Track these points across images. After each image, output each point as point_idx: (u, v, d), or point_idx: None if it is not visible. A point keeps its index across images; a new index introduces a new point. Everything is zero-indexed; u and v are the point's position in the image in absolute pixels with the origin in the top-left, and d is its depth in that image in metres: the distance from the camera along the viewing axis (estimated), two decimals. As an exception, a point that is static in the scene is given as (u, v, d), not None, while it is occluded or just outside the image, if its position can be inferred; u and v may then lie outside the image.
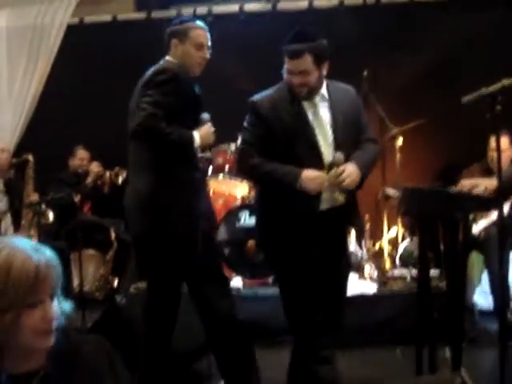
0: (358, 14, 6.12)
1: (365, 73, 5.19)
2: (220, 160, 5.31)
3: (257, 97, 3.16)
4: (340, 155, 3.05)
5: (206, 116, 3.39)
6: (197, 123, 3.35)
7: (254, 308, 4.55)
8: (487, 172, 4.92)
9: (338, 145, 3.10)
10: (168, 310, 3.33)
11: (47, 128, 5.97)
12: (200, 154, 3.35)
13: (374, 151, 3.29)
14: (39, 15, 5.74)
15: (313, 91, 3.10)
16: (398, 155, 5.35)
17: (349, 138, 3.15)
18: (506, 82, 2.60)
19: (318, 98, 3.15)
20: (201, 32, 3.38)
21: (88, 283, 5.48)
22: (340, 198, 3.09)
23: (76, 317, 4.56)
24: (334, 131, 3.12)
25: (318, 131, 3.11)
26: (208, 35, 3.40)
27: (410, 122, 5.30)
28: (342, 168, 3.01)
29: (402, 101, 5.77)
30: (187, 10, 6.33)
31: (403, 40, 5.96)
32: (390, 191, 4.16)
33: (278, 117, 3.08)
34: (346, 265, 3.40)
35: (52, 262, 1.48)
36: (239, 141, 3.60)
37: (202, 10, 6.32)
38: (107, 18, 6.27)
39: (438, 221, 3.28)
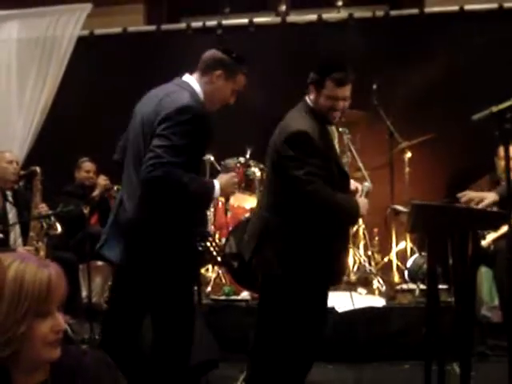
0: (368, 27, 6.14)
1: (374, 86, 5.19)
2: (228, 173, 5.31)
3: (302, 127, 3.13)
4: (369, 185, 3.31)
5: (229, 163, 3.19)
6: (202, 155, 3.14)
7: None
8: (496, 184, 4.89)
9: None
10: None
11: (56, 140, 6.00)
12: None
13: None
14: (50, 27, 5.77)
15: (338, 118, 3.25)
16: (407, 169, 5.35)
17: None
18: (516, 99, 2.59)
19: (334, 128, 3.31)
20: (243, 80, 3.14)
21: (96, 295, 5.48)
22: None
23: (84, 328, 4.57)
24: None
25: (339, 154, 3.31)
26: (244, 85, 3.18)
27: (418, 135, 5.30)
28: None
29: (411, 114, 5.77)
30: (197, 23, 6.36)
31: (413, 53, 5.97)
32: (399, 207, 4.17)
33: (324, 144, 3.15)
34: None
35: (61, 275, 1.54)
36: (302, 174, 3.12)
37: (211, 22, 6.35)
38: (118, 30, 6.31)
39: (446, 236, 3.26)
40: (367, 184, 3.28)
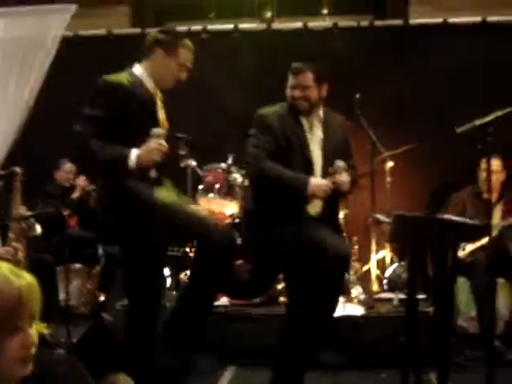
0: (352, 36, 6.18)
1: (357, 95, 5.21)
2: (210, 178, 5.29)
3: (263, 110, 3.58)
4: (342, 163, 3.44)
5: (155, 131, 3.13)
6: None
7: (240, 327, 4.54)
8: (477, 196, 4.94)
9: (324, 163, 3.50)
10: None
11: (37, 140, 5.95)
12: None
13: (355, 179, 3.70)
14: (33, 27, 5.70)
15: (312, 107, 3.52)
16: (388, 178, 5.38)
17: (335, 158, 3.49)
18: (499, 113, 2.62)
19: (315, 118, 3.57)
20: (188, 53, 3.29)
21: (74, 298, 5.43)
22: (320, 205, 3.45)
23: (61, 331, 4.52)
24: (324, 149, 3.53)
25: (312, 146, 3.51)
26: (192, 57, 3.32)
27: (401, 145, 5.33)
28: (343, 175, 3.42)
29: (394, 124, 5.82)
30: (182, 27, 6.34)
31: (396, 63, 6.02)
32: (380, 217, 4.18)
33: (281, 128, 3.47)
34: None
35: (34, 287, 1.42)
36: (250, 147, 3.51)
37: (196, 27, 6.34)
38: (102, 31, 6.28)
39: (426, 246, 3.29)
40: (339, 163, 3.43)
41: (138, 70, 3.26)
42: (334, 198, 3.50)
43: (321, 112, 3.61)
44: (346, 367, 4.36)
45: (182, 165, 5.28)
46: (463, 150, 5.16)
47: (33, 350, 1.41)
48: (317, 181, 3.40)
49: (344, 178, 3.44)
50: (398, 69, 5.97)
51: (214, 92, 6.13)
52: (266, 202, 3.51)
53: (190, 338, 3.27)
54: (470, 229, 2.91)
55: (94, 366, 1.86)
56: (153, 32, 3.34)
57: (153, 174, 3.18)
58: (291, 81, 3.52)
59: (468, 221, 2.88)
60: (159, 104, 3.30)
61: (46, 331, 1.51)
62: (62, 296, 5.07)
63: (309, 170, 3.47)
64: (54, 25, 5.74)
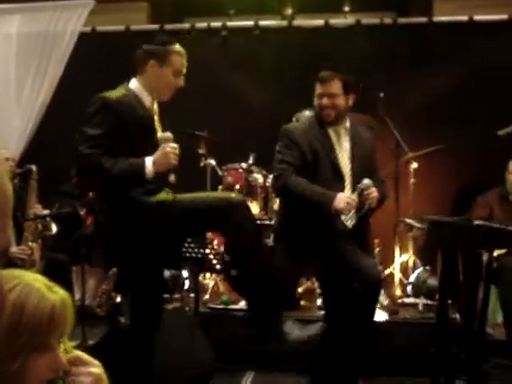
0: (375, 34, 6.03)
1: (381, 94, 5.09)
2: (230, 179, 5.18)
3: (289, 125, 3.65)
4: (369, 181, 3.41)
5: (163, 135, 3.11)
6: (151, 150, 3.09)
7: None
8: (504, 199, 4.80)
9: (353, 175, 3.50)
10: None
11: (54, 137, 5.87)
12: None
13: (386, 191, 3.77)
14: (51, 22, 5.63)
15: (339, 117, 3.52)
16: (412, 180, 5.25)
17: (362, 172, 3.51)
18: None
19: (342, 129, 3.57)
20: (181, 58, 3.19)
21: (89, 297, 5.35)
22: (355, 217, 3.47)
23: (76, 332, 4.44)
24: (352, 162, 3.52)
25: (340, 159, 3.52)
26: (185, 61, 3.22)
27: (425, 146, 5.19)
28: (373, 189, 3.41)
29: (418, 124, 5.67)
30: (201, 24, 6.24)
31: (421, 62, 5.86)
32: (411, 222, 4.08)
33: (308, 141, 3.48)
34: None
35: (67, 304, 1.33)
36: (277, 163, 3.53)
37: (216, 23, 6.23)
38: (120, 27, 6.18)
39: (458, 252, 3.19)
40: (365, 181, 3.40)
41: (134, 84, 3.20)
42: (364, 214, 3.50)
43: (347, 124, 3.60)
44: (371, 374, 4.25)
45: (201, 164, 5.18)
46: (491, 152, 5.05)
47: (60, 373, 1.30)
48: (341, 196, 3.35)
49: (373, 194, 3.42)
50: (422, 68, 5.81)
51: (234, 90, 6.02)
52: (295, 216, 3.51)
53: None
54: (507, 235, 2.78)
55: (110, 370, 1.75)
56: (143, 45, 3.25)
57: (172, 178, 3.12)
58: (318, 89, 3.51)
59: (504, 227, 2.75)
60: (156, 120, 3.23)
61: (72, 350, 1.36)
62: (77, 296, 4.99)
63: (338, 179, 3.48)
64: (72, 20, 5.68)
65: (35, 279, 1.32)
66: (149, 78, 3.17)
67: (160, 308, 3.35)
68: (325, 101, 3.46)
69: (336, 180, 3.47)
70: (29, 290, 1.28)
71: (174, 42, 3.23)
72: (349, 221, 3.45)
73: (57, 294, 1.32)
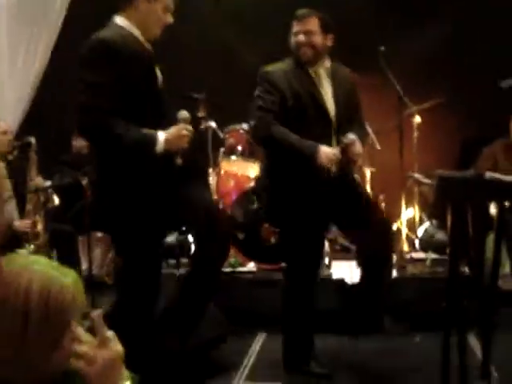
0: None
1: (382, 48, 4.98)
2: (232, 140, 5.11)
3: (267, 67, 3.46)
4: (353, 136, 3.34)
5: (182, 114, 2.99)
6: (160, 110, 2.99)
7: (268, 293, 4.42)
8: (508, 147, 4.75)
9: (338, 116, 3.42)
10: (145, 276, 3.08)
11: (52, 106, 5.78)
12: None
13: (366, 137, 3.81)
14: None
15: (317, 55, 3.41)
16: (416, 133, 5.18)
17: (346, 112, 3.46)
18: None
19: (321, 69, 3.45)
20: None
21: (97, 267, 5.33)
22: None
23: (85, 300, 4.43)
24: (335, 103, 3.43)
25: (324, 97, 3.41)
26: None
27: (428, 98, 5.11)
28: (358, 144, 3.35)
29: (421, 77, 5.56)
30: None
31: (426, 12, 5.71)
32: (420, 177, 4.04)
33: (288, 83, 3.37)
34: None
35: (78, 282, 1.35)
36: (255, 109, 3.44)
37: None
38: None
39: (467, 207, 3.16)
40: (350, 136, 3.34)
41: (122, 22, 2.98)
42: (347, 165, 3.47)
43: (327, 63, 3.50)
44: (380, 330, 4.26)
45: (202, 127, 5.11)
46: (495, 104, 4.96)
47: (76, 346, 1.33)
48: (324, 150, 3.29)
49: (357, 149, 3.36)
50: (428, 19, 5.65)
51: (230, 50, 5.90)
52: (280, 165, 3.46)
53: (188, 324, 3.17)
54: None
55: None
56: None
57: (178, 161, 3.00)
58: (295, 27, 3.41)
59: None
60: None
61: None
62: (84, 266, 4.98)
63: (325, 123, 3.40)
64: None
65: (44, 264, 1.32)
66: (137, 13, 2.96)
67: (158, 276, 3.20)
68: (301, 38, 3.37)
69: (323, 124, 3.40)
70: (50, 281, 1.28)
71: None
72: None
73: (68, 275, 1.32)
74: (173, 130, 2.92)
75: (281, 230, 3.79)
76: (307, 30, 3.37)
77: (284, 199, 3.46)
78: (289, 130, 3.34)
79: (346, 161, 3.40)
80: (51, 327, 1.26)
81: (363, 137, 3.57)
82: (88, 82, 2.82)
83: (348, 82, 3.57)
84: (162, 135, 2.87)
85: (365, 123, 3.83)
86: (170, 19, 3.04)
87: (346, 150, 3.33)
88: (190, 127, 2.98)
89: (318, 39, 3.38)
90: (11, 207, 4.57)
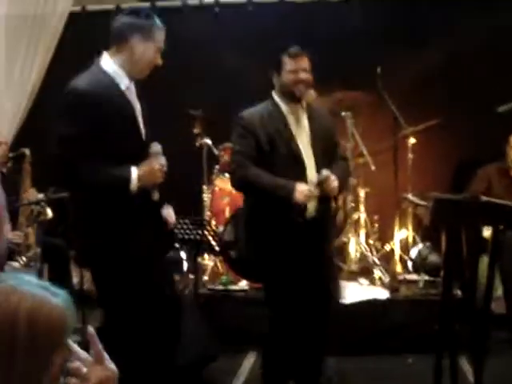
0: (372, 8, 5.90)
1: (378, 69, 5.01)
2: (227, 157, 5.10)
3: (244, 112, 3.46)
4: (327, 172, 3.32)
5: (154, 148, 2.90)
6: (135, 143, 2.90)
7: (260, 311, 4.40)
8: (503, 172, 4.76)
9: (315, 155, 3.40)
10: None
11: (46, 120, 5.76)
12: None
13: (347, 170, 3.78)
14: (40, 3, 5.51)
15: (306, 93, 3.44)
16: (410, 155, 5.19)
17: (325, 151, 3.45)
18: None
19: (300, 109, 3.46)
20: (163, 35, 2.96)
21: (88, 281, 5.30)
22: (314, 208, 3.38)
23: (76, 316, 4.40)
24: (312, 140, 3.42)
25: (299, 140, 3.40)
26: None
27: (422, 120, 5.13)
28: (332, 179, 3.33)
29: (416, 99, 5.57)
30: (193, 1, 6.13)
31: (420, 34, 5.73)
32: (415, 199, 4.05)
33: (263, 129, 3.35)
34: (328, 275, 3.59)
35: (69, 302, 1.32)
36: (233, 154, 3.52)
37: (208, 0, 6.11)
38: (110, 6, 6.06)
39: (463, 229, 3.16)
40: (324, 173, 3.32)
41: (107, 65, 2.89)
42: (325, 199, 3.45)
43: (304, 103, 3.50)
44: (372, 352, 4.24)
45: (197, 144, 5.11)
46: (490, 126, 4.98)
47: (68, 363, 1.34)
48: (301, 188, 3.27)
49: (332, 185, 3.34)
50: (421, 40, 5.68)
51: (227, 67, 5.91)
52: (256, 207, 3.46)
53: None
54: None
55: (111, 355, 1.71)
56: (121, 17, 2.96)
57: (156, 196, 2.95)
58: (291, 65, 3.39)
59: (509, 204, 2.71)
60: (138, 109, 2.98)
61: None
62: (75, 280, 4.95)
63: (297, 164, 3.38)
64: (61, 0, 5.55)
65: (34, 285, 1.29)
66: (132, 53, 2.86)
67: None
68: (303, 75, 3.37)
69: (294, 165, 3.37)
70: (40, 303, 1.26)
71: (153, 16, 2.97)
72: (309, 211, 3.37)
73: (58, 295, 1.30)
74: (145, 166, 2.84)
75: (263, 285, 3.73)
76: (304, 68, 3.40)
77: (262, 255, 3.43)
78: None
79: (324, 197, 3.39)
80: (40, 349, 1.24)
81: (344, 172, 3.60)
82: (60, 133, 2.81)
83: (326, 118, 3.61)
84: (134, 172, 2.79)
85: (346, 160, 3.84)
86: (159, 60, 2.96)
87: (321, 186, 3.32)
88: (162, 160, 2.89)
89: (311, 78, 3.43)
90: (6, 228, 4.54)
